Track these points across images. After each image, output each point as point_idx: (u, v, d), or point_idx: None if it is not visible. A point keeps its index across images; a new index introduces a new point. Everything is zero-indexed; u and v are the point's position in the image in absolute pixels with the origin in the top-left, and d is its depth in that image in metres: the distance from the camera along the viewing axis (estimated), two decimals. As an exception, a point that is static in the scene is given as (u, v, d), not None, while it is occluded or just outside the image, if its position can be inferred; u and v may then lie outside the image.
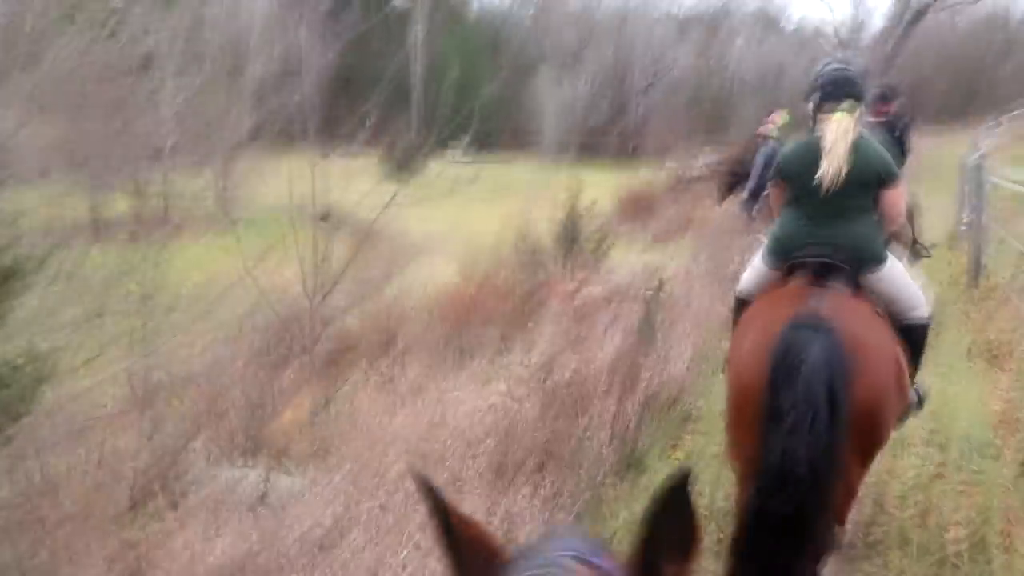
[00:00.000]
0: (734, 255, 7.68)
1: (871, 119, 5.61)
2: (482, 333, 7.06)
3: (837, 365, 2.11)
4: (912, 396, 2.68)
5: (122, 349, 5.50)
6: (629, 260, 10.60)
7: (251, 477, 4.49)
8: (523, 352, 5.68)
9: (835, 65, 2.72)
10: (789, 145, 2.84)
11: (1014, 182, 7.58)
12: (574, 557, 0.79)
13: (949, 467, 3.71)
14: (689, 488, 0.79)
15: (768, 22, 58.87)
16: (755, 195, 10.15)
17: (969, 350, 5.25)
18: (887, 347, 2.35)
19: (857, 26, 30.74)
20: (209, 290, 6.71)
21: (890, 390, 2.29)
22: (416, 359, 7.53)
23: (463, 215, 17.91)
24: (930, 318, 2.66)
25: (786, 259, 2.60)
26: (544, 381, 4.12)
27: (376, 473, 3.58)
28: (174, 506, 4.09)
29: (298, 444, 5.15)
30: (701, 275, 6.95)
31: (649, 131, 46.22)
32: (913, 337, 2.58)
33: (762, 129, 9.13)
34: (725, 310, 6.57)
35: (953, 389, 4.60)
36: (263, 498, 4.11)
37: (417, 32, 50.94)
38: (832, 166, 2.46)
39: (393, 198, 8.60)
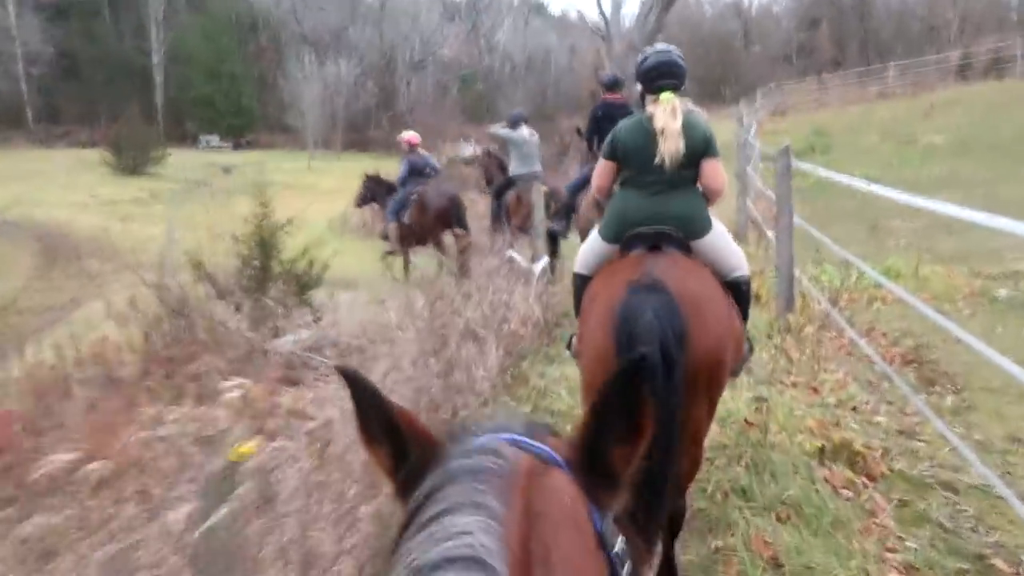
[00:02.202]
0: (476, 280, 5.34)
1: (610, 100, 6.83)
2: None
3: (671, 323, 2.19)
4: (744, 346, 2.79)
5: None
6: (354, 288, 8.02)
7: None
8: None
9: (659, 50, 2.83)
10: (623, 125, 2.77)
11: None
12: (511, 441, 0.74)
13: None
14: (642, 374, 0.74)
15: (534, 6, 58.90)
16: (400, 206, 9.43)
17: (822, 450, 3.24)
18: (721, 301, 2.47)
19: (617, 8, 30.34)
20: None
21: (727, 339, 2.38)
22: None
23: (198, 215, 13.97)
24: (749, 276, 2.78)
25: (624, 233, 2.67)
26: None
27: None
28: None
29: None
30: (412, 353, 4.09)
31: (420, 115, 43.85)
32: (738, 294, 2.68)
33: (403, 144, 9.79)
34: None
35: (819, 558, 2.52)
36: None
37: (154, 11, 44.49)
38: (670, 146, 2.58)
39: None
